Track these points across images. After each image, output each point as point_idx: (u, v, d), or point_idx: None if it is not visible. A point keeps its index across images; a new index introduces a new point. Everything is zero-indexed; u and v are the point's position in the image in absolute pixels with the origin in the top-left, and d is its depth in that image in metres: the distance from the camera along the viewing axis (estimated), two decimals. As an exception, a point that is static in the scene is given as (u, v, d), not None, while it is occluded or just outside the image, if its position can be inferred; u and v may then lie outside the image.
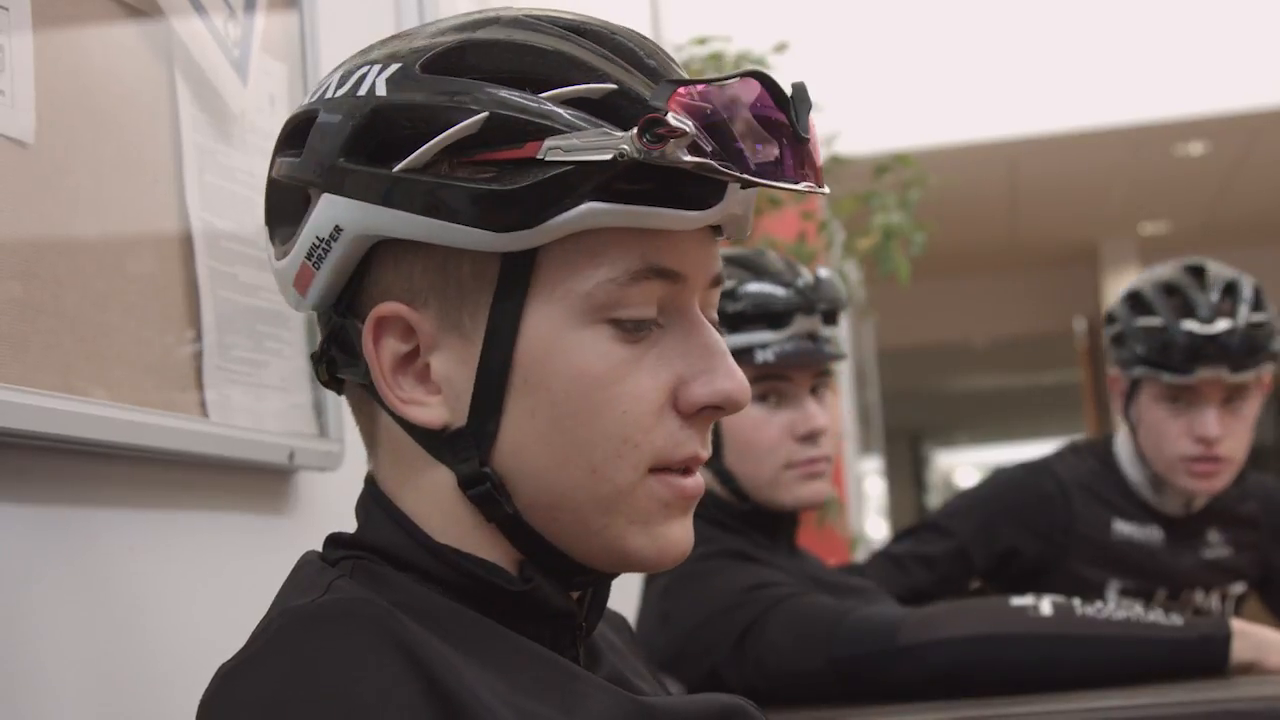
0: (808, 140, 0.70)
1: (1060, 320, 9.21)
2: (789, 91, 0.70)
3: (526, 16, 0.72)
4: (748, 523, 1.52)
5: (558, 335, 0.70)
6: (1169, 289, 1.86)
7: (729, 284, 1.50)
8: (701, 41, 3.28)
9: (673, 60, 0.73)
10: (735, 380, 0.72)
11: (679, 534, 0.74)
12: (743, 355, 1.46)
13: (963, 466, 17.66)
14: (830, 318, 1.53)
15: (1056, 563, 1.94)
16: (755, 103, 0.68)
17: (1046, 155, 6.20)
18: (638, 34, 0.73)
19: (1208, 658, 1.34)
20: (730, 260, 1.53)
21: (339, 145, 0.70)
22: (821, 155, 0.73)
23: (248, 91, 1.15)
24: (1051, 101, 5.48)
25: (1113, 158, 6.40)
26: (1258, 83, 5.38)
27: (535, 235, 0.68)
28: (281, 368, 1.17)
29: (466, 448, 0.71)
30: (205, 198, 1.07)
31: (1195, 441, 1.85)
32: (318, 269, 0.73)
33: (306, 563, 0.76)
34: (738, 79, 0.68)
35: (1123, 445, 2.00)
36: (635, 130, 0.65)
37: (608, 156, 0.66)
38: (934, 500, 15.14)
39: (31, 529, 0.86)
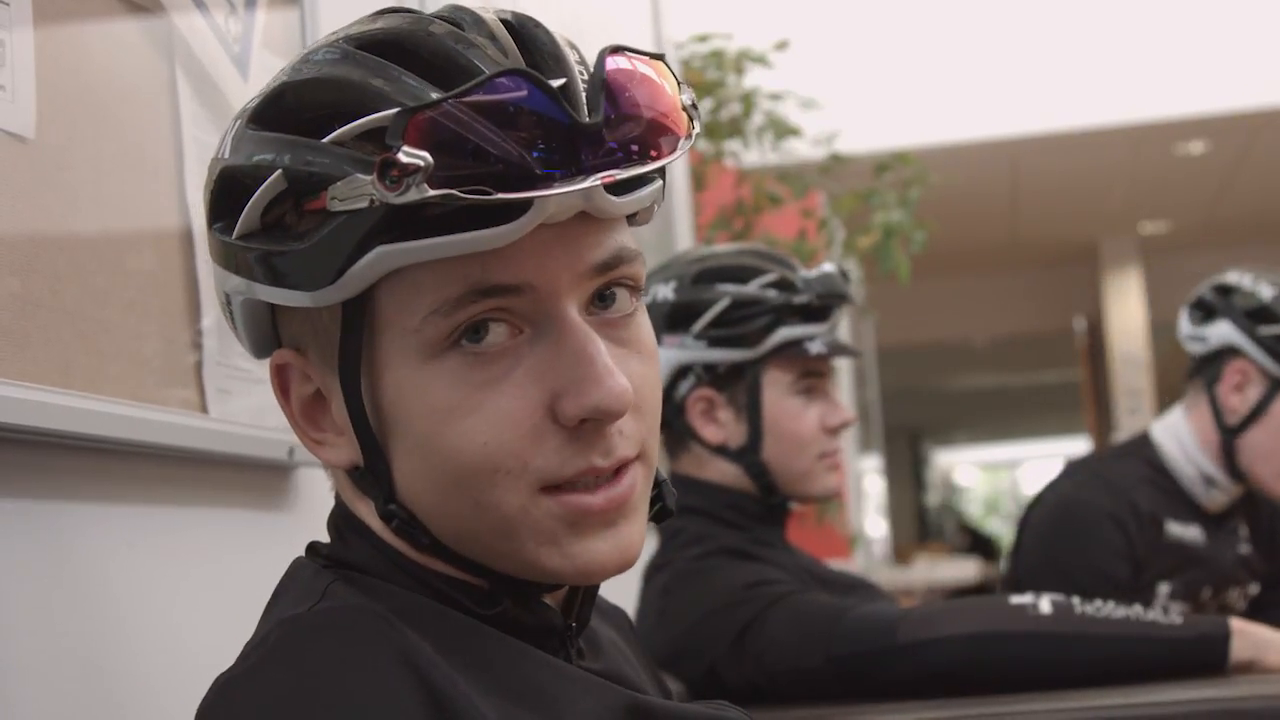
0: (593, 123, 0.63)
1: (1060, 319, 9.21)
2: (565, 78, 0.65)
3: (346, 41, 0.69)
4: (755, 517, 1.52)
5: (407, 374, 0.67)
6: None
7: (792, 275, 1.51)
8: (703, 39, 3.28)
9: (506, 48, 0.67)
10: (604, 388, 0.66)
11: (599, 548, 0.69)
12: (795, 347, 1.48)
13: (962, 465, 17.68)
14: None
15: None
16: (521, 101, 0.62)
17: (1047, 154, 6.21)
18: (473, 29, 0.68)
19: (1207, 656, 1.34)
20: (763, 255, 1.54)
21: (207, 214, 0.71)
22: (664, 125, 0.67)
23: (249, 87, 1.15)
24: (1052, 100, 5.48)
25: (1113, 157, 6.40)
26: (1258, 82, 5.39)
27: (342, 288, 0.66)
28: (281, 364, 1.17)
29: (372, 486, 0.71)
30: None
31: None
32: (235, 327, 0.75)
33: (299, 567, 0.76)
34: (489, 83, 0.62)
35: (1174, 440, 2.00)
36: (375, 174, 0.61)
37: (364, 204, 0.63)
38: (933, 499, 15.17)
39: (29, 524, 0.86)
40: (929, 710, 1.30)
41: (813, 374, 1.51)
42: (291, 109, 0.68)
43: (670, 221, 2.83)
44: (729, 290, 1.49)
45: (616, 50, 0.66)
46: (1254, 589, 2.02)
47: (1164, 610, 1.37)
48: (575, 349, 0.67)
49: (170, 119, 1.04)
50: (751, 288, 1.49)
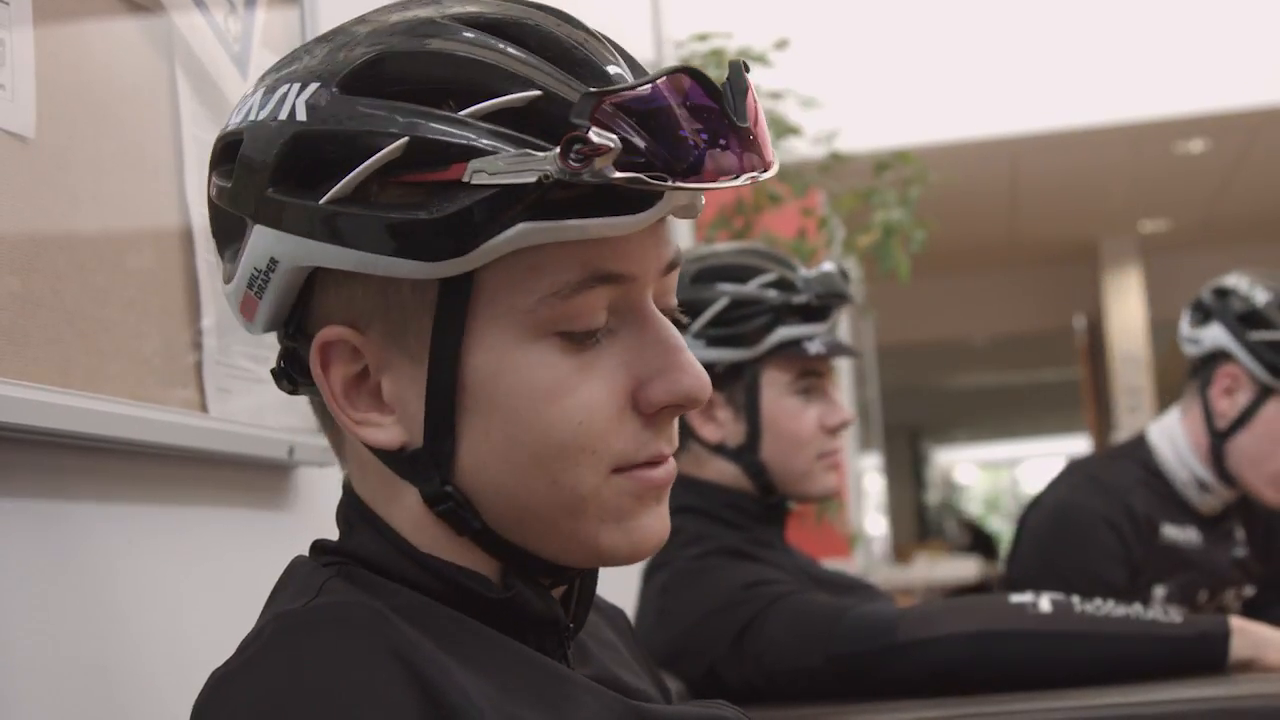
0: (746, 127, 0.67)
1: (1060, 318, 9.21)
2: (721, 81, 0.67)
3: (443, 18, 0.69)
4: (754, 517, 1.52)
5: (504, 353, 0.68)
6: None
7: (791, 275, 1.51)
8: (703, 38, 3.28)
9: (605, 43, 0.70)
10: (692, 376, 0.70)
11: (653, 524, 0.73)
12: (793, 347, 1.48)
13: (961, 463, 17.68)
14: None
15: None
16: (686, 98, 0.65)
17: (1047, 152, 6.20)
18: (566, 21, 0.70)
19: (1206, 655, 1.34)
20: (762, 254, 1.54)
21: (266, 176, 0.68)
22: (771, 138, 0.71)
23: (248, 86, 1.15)
24: (1052, 99, 5.48)
25: (1113, 155, 6.40)
26: (1258, 81, 5.38)
27: (467, 261, 0.66)
28: (281, 363, 1.17)
29: (426, 468, 0.70)
30: (205, 192, 1.07)
31: None
32: (260, 298, 0.71)
33: (298, 565, 0.76)
34: (665, 77, 0.65)
35: (1168, 443, 2.00)
36: (557, 150, 0.63)
37: (532, 179, 0.63)
38: (933, 498, 15.17)
39: (30, 524, 0.86)
40: (929, 710, 1.30)
41: (811, 373, 1.51)
42: (397, 78, 0.67)
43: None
44: (728, 290, 1.49)
45: (746, 65, 0.69)
46: (1249, 591, 2.01)
47: (1163, 610, 1.37)
48: (662, 339, 0.71)
49: (170, 118, 1.05)
50: (750, 287, 1.49)
